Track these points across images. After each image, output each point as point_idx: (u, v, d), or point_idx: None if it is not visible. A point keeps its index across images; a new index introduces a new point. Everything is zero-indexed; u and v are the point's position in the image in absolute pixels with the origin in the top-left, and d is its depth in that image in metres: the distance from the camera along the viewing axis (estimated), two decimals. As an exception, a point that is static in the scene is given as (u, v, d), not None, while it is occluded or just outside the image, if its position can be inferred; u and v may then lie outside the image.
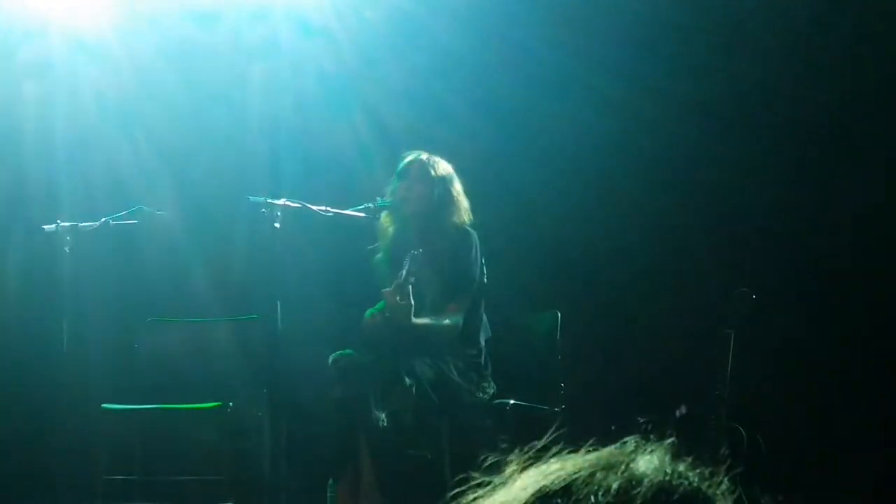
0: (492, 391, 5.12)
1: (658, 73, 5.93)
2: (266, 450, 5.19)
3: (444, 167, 5.22)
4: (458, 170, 5.28)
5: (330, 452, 5.11)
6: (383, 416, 4.85)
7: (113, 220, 5.29)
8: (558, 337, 5.37)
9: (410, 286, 4.79)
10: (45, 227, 5.30)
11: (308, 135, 6.32)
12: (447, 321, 5.04)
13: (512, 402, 5.11)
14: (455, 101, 6.20)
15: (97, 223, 5.28)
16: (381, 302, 5.01)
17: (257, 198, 4.93)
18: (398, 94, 6.23)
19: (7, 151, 6.18)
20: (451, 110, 6.17)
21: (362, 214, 5.13)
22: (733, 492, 0.97)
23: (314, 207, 5.01)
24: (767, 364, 5.56)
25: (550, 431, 1.06)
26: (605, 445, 1.01)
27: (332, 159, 6.21)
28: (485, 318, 5.24)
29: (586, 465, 0.96)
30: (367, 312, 5.10)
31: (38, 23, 6.12)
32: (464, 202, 5.21)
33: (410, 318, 4.85)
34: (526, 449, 1.05)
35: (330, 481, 5.04)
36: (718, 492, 0.96)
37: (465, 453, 4.73)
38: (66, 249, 5.28)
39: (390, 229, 5.26)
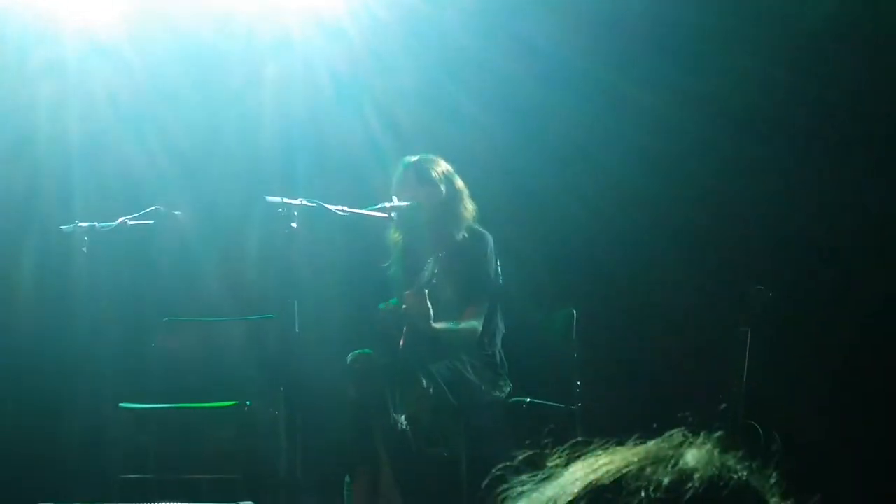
0: (508, 390, 5.12)
1: (671, 71, 5.92)
2: (283, 449, 5.19)
3: (442, 166, 5.20)
4: (471, 168, 5.27)
5: (347, 451, 5.11)
6: (401, 415, 4.85)
7: (130, 220, 5.30)
8: (574, 335, 5.37)
9: (428, 291, 4.80)
10: (63, 227, 5.31)
11: (323, 134, 6.32)
12: (466, 325, 5.04)
13: (528, 400, 5.12)
14: (469, 100, 6.19)
15: (114, 224, 5.28)
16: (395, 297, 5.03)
17: (274, 198, 4.93)
18: (412, 94, 6.23)
19: (23, 153, 6.19)
20: (465, 109, 6.17)
21: (378, 214, 5.12)
22: (781, 485, 0.97)
23: (331, 207, 5.00)
24: (784, 361, 5.55)
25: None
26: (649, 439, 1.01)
27: (347, 159, 6.21)
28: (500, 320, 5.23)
29: (635, 459, 0.96)
30: (381, 305, 5.11)
31: (51, 25, 6.13)
32: (467, 198, 5.19)
33: (430, 323, 4.85)
34: (570, 443, 1.05)
35: (346, 479, 5.05)
36: (767, 485, 0.96)
37: (482, 452, 4.73)
38: (84, 250, 5.29)
39: (400, 241, 5.25)
